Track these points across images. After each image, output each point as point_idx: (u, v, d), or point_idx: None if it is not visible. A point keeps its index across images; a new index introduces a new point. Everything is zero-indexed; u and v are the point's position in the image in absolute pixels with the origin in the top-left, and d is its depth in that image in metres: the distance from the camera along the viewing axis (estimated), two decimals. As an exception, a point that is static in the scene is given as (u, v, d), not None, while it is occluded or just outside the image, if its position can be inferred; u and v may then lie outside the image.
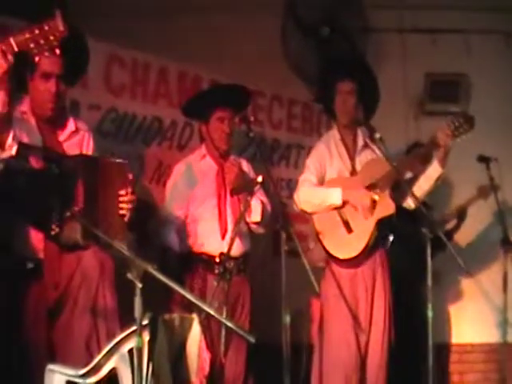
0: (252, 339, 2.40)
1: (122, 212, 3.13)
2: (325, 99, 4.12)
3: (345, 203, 3.85)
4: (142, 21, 4.99)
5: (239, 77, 4.77)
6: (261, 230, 4.03)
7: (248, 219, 3.92)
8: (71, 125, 3.28)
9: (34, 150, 3.07)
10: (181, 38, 5.13)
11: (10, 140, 2.63)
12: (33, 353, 3.00)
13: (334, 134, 4.03)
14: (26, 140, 2.99)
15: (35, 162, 3.06)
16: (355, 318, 3.80)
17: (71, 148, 3.23)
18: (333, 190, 3.86)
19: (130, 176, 3.19)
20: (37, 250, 3.07)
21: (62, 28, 2.46)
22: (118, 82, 4.25)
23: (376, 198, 3.84)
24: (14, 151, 2.66)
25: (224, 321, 2.84)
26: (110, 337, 2.93)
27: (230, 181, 3.90)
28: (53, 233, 3.00)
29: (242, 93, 4.09)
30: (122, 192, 3.13)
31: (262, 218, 3.95)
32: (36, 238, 3.07)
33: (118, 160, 3.23)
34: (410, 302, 4.41)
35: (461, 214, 5.14)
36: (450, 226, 5.14)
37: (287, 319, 3.32)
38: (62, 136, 3.23)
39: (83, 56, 3.32)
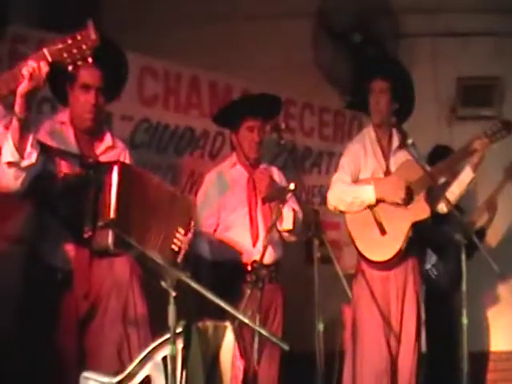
0: (286, 347, 2.39)
1: (173, 247, 3.17)
2: (359, 102, 4.11)
3: (379, 201, 3.82)
4: (172, 31, 5.05)
5: (270, 85, 4.79)
6: (292, 238, 4.03)
7: (280, 227, 3.92)
8: (108, 139, 3.32)
9: (71, 156, 3.11)
10: (212, 48, 5.17)
11: (28, 147, 2.63)
12: (66, 361, 3.03)
13: (369, 133, 4.00)
14: (63, 147, 3.03)
15: (71, 168, 3.10)
16: (387, 321, 3.78)
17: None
18: (366, 186, 3.83)
19: (192, 222, 3.24)
20: (67, 261, 3.09)
21: (94, 37, 2.51)
22: (150, 92, 4.29)
23: (411, 184, 3.78)
24: (33, 159, 2.66)
25: (258, 329, 2.84)
26: (141, 344, 2.96)
27: (262, 189, 3.91)
28: (86, 236, 3.02)
29: (272, 102, 4.10)
30: (181, 230, 3.19)
31: (294, 226, 3.95)
32: (67, 248, 3.10)
33: (186, 196, 3.29)
34: (444, 308, 4.37)
35: (491, 206, 4.94)
36: (481, 222, 4.94)
37: (320, 327, 3.32)
38: (99, 149, 3.27)
39: (122, 71, 3.36)
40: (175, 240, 3.19)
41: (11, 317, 3.08)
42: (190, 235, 3.22)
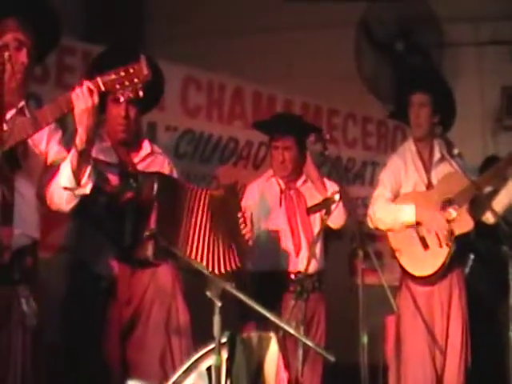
0: (332, 358, 2.38)
1: (246, 238, 3.25)
2: (401, 113, 4.08)
3: (419, 221, 3.78)
4: (216, 43, 5.09)
5: (313, 96, 4.79)
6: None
7: (331, 225, 3.89)
8: (146, 147, 3.35)
9: (112, 167, 3.15)
10: (255, 58, 5.20)
11: (85, 178, 2.66)
12: (112, 368, 3.05)
13: (409, 147, 3.96)
14: (104, 158, 3.07)
15: (112, 179, 3.14)
16: (432, 336, 3.73)
17: (146, 169, 3.29)
18: (406, 207, 3.79)
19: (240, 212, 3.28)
20: (111, 268, 3.12)
21: (146, 72, 2.56)
22: (194, 103, 4.33)
23: (453, 215, 3.76)
24: (87, 190, 2.69)
25: (305, 340, 2.82)
26: (184, 353, 2.97)
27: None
28: (127, 249, 3.05)
29: (297, 122, 4.10)
30: (241, 222, 3.23)
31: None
32: (112, 255, 3.13)
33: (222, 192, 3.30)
34: (489, 322, 4.29)
35: None
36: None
37: (365, 339, 3.29)
38: (137, 158, 3.30)
39: (159, 82, 3.38)
40: (243, 231, 3.22)
41: (56, 324, 3.12)
42: (247, 222, 3.24)
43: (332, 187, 3.93)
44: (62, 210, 2.74)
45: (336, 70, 5.35)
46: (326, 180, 4.02)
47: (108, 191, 3.11)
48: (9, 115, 2.59)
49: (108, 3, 4.74)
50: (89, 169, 2.66)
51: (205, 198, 3.21)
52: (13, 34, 2.62)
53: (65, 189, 2.65)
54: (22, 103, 2.67)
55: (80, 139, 2.60)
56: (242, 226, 3.28)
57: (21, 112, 2.63)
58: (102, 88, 2.55)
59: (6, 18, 2.64)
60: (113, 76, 2.55)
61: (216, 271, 3.12)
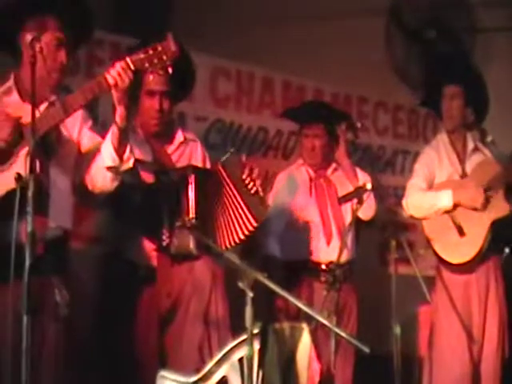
0: (367, 349, 2.35)
1: (253, 191, 3.19)
2: (432, 102, 4.03)
3: (456, 205, 3.74)
4: (245, 32, 5.05)
5: (343, 84, 4.75)
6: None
7: (362, 216, 3.86)
8: (179, 136, 3.35)
9: (145, 164, 3.16)
10: (284, 47, 5.16)
11: (127, 153, 2.73)
12: (144, 358, 3.07)
13: (442, 138, 3.94)
14: (137, 153, 3.08)
15: (146, 176, 3.15)
16: (468, 328, 3.69)
17: (180, 158, 3.30)
18: (443, 192, 3.77)
19: (243, 158, 3.28)
20: (149, 258, 3.14)
21: (173, 48, 2.59)
22: (223, 93, 4.32)
23: (490, 194, 3.71)
24: (131, 163, 2.76)
25: (338, 331, 2.80)
26: (222, 344, 2.96)
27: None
28: (164, 243, 3.08)
29: (326, 110, 4.08)
30: (246, 178, 3.20)
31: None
32: (148, 245, 3.14)
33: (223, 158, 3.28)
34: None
35: None
36: None
37: (397, 329, 3.26)
38: (171, 148, 3.31)
39: (190, 73, 3.39)
40: (251, 187, 3.20)
41: (89, 313, 3.15)
42: (255, 171, 3.22)
43: (364, 177, 3.91)
44: (105, 191, 2.80)
45: (366, 58, 5.29)
46: (357, 170, 4.00)
47: (143, 187, 3.12)
48: (41, 108, 2.63)
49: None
50: (129, 145, 2.72)
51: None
52: (52, 33, 2.68)
53: (108, 168, 2.71)
54: (54, 97, 2.72)
55: (120, 116, 2.66)
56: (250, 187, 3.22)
57: (52, 105, 2.68)
58: (132, 67, 2.59)
59: (44, 16, 2.67)
60: (141, 55, 2.59)
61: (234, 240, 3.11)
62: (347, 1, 5.33)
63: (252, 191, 3.20)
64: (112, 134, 2.68)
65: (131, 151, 2.73)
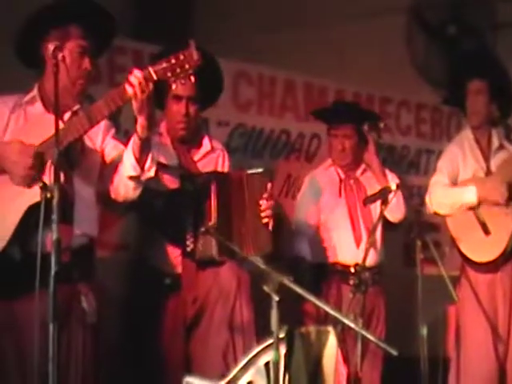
0: (395, 352, 2.34)
1: (264, 221, 3.18)
2: (456, 99, 4.00)
3: (480, 201, 3.71)
4: (266, 35, 5.06)
5: (365, 85, 4.73)
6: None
7: (390, 218, 3.86)
8: (206, 144, 3.35)
9: (170, 170, 3.17)
10: (305, 50, 5.15)
11: (148, 162, 2.72)
12: (170, 364, 3.08)
13: (467, 135, 3.90)
14: (162, 160, 3.10)
15: (171, 181, 3.17)
16: (493, 327, 3.66)
17: (206, 167, 3.30)
18: (467, 188, 3.74)
19: (268, 184, 3.23)
20: (174, 265, 3.15)
21: (196, 57, 2.57)
22: (244, 97, 4.33)
23: None
24: (152, 172, 2.75)
25: (365, 333, 2.79)
26: (247, 350, 2.96)
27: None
28: (188, 249, 3.09)
29: (356, 110, 4.07)
30: (262, 201, 3.18)
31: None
32: (173, 253, 3.16)
33: (252, 171, 3.27)
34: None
35: None
36: None
37: (424, 331, 3.24)
38: (197, 155, 3.31)
39: (218, 79, 3.40)
40: (263, 214, 3.18)
41: (116, 320, 3.17)
42: (271, 199, 3.20)
43: (393, 178, 3.89)
44: (128, 199, 2.80)
45: (387, 58, 5.27)
46: (386, 171, 3.98)
47: (167, 193, 3.13)
48: (65, 118, 2.65)
49: (155, 0, 4.77)
50: (151, 154, 2.72)
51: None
52: (76, 42, 2.69)
53: (130, 178, 2.70)
54: (78, 106, 2.72)
55: (141, 127, 2.65)
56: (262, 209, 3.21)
57: (76, 114, 2.69)
58: (154, 77, 2.58)
59: (67, 24, 2.69)
60: (164, 64, 2.58)
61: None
62: (367, 0, 5.32)
63: (263, 221, 3.19)
64: (133, 143, 2.69)
65: (153, 160, 2.73)
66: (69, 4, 2.70)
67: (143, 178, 2.72)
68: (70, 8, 2.70)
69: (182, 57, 2.57)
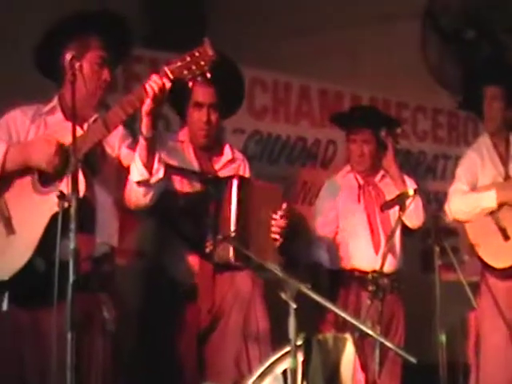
0: (414, 360, 2.32)
1: (273, 236, 3.17)
2: (472, 105, 3.99)
3: (501, 205, 3.69)
4: (279, 42, 5.07)
5: (380, 90, 4.72)
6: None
7: (409, 224, 3.84)
8: (228, 153, 3.35)
9: (190, 173, 3.18)
10: (319, 56, 5.15)
11: (156, 164, 2.69)
12: (185, 371, 3.09)
13: (484, 141, 3.89)
14: (183, 166, 3.11)
15: (191, 185, 3.17)
16: (513, 332, 3.63)
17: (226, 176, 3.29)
18: (486, 193, 3.72)
19: (284, 203, 3.22)
20: (190, 275, 3.15)
21: (211, 53, 2.55)
22: (260, 104, 4.35)
23: None
24: (161, 174, 2.72)
25: (384, 341, 2.77)
26: (262, 357, 2.96)
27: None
28: (207, 250, 3.08)
29: (375, 115, 4.06)
30: (275, 216, 3.17)
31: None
32: (190, 262, 3.16)
33: (271, 184, 3.29)
34: None
35: None
36: None
37: (443, 338, 3.22)
38: (218, 164, 3.31)
39: (239, 87, 3.40)
40: (273, 228, 3.17)
41: (133, 329, 3.17)
42: (284, 219, 3.18)
43: (412, 184, 3.87)
44: (141, 206, 2.77)
45: (403, 63, 5.26)
46: (405, 177, 3.96)
47: (187, 197, 3.13)
48: (85, 127, 2.66)
49: (170, 9, 4.79)
50: (157, 155, 2.69)
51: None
52: (96, 52, 2.70)
53: (138, 184, 2.68)
54: (96, 116, 2.73)
55: (146, 126, 2.62)
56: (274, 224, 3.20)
57: (94, 123, 2.69)
58: (171, 76, 2.56)
59: (88, 35, 2.71)
60: (179, 63, 2.57)
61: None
62: (382, 6, 5.31)
63: (272, 235, 3.17)
64: (140, 146, 2.67)
65: (160, 161, 2.70)
66: (89, 15, 2.72)
67: (152, 181, 2.69)
68: (90, 19, 2.72)
69: (196, 54, 2.55)
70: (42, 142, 2.60)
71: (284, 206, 3.19)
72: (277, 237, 3.16)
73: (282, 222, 3.16)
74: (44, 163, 2.57)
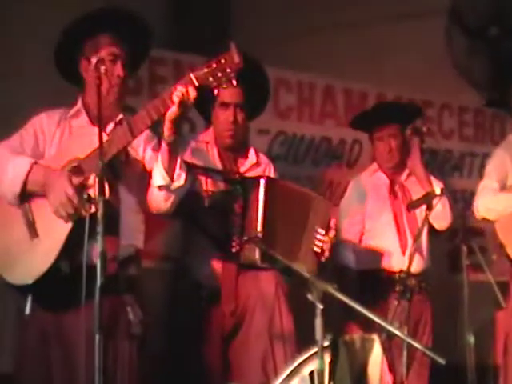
0: (442, 361, 2.30)
1: (315, 249, 3.17)
2: (499, 101, 3.95)
3: None
4: (303, 42, 5.05)
5: (405, 89, 4.69)
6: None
7: (436, 226, 3.82)
8: (252, 156, 3.35)
9: (216, 173, 3.19)
10: (343, 54, 5.13)
11: (177, 169, 2.68)
12: (209, 374, 3.09)
13: None
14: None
15: (216, 185, 3.17)
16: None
17: None
18: None
19: (333, 220, 3.23)
20: (214, 278, 3.15)
21: (237, 60, 2.52)
22: (284, 104, 4.34)
23: None
24: (182, 181, 2.70)
25: (412, 342, 2.75)
26: (287, 358, 2.97)
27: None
28: (233, 250, 3.08)
29: (405, 109, 4.03)
30: (321, 230, 3.17)
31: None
32: (214, 265, 3.16)
33: (321, 197, 3.31)
34: None
35: None
36: None
37: (471, 338, 3.19)
38: (243, 167, 3.31)
39: (264, 87, 3.41)
40: (316, 242, 3.16)
41: (158, 332, 3.18)
42: (331, 234, 3.18)
43: (438, 185, 3.83)
44: (162, 211, 2.76)
45: (428, 60, 5.21)
46: (432, 178, 3.92)
47: (213, 196, 3.14)
48: (108, 129, 2.67)
49: (195, 11, 4.80)
50: (179, 160, 2.68)
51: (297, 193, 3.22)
52: (107, 49, 2.69)
53: (160, 188, 2.67)
54: (120, 116, 2.73)
55: (168, 130, 2.61)
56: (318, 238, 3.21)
57: (119, 124, 2.69)
58: (196, 83, 2.54)
59: (98, 34, 2.71)
60: (205, 69, 2.54)
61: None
62: (407, 3, 5.27)
63: (314, 248, 3.17)
64: (162, 151, 2.66)
65: (182, 168, 2.68)
66: (96, 14, 2.72)
67: (173, 187, 2.68)
68: (97, 17, 2.71)
69: (222, 60, 2.51)
70: (60, 185, 2.55)
71: (333, 223, 3.19)
72: (318, 250, 3.16)
73: (327, 238, 3.17)
74: (57, 207, 2.54)
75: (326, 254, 3.19)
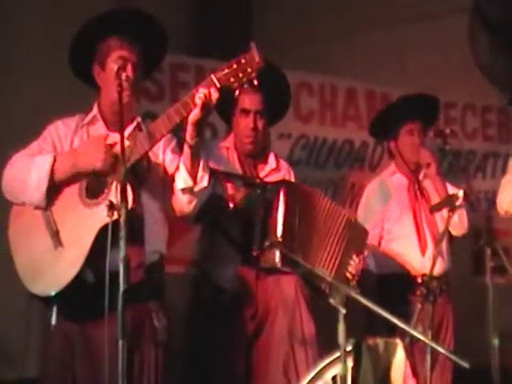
0: (466, 365, 2.29)
1: (348, 274, 3.22)
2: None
3: None
4: (326, 44, 5.06)
5: (428, 89, 4.65)
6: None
7: (453, 232, 3.79)
8: (272, 161, 3.36)
9: (237, 178, 3.21)
10: (365, 56, 5.12)
11: (200, 172, 2.67)
12: (232, 377, 3.10)
13: None
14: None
15: (237, 190, 3.18)
16: None
17: None
18: None
19: (368, 248, 3.28)
20: (236, 283, 3.16)
21: (258, 59, 2.50)
22: (306, 108, 4.33)
23: None
24: (205, 183, 2.69)
25: (435, 346, 2.74)
26: (309, 361, 2.97)
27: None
28: (254, 254, 3.08)
29: (430, 102, 3.99)
30: (355, 258, 3.23)
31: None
32: (236, 270, 3.17)
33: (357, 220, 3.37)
34: None
35: None
36: None
37: (495, 341, 3.16)
38: (263, 172, 3.32)
39: (285, 94, 3.41)
40: (350, 268, 3.21)
41: (183, 336, 3.20)
42: (362, 262, 3.21)
43: (453, 190, 3.80)
44: (185, 213, 2.74)
45: (451, 60, 5.19)
46: (448, 185, 3.88)
47: (235, 201, 3.15)
48: (126, 132, 2.66)
49: (217, 17, 4.82)
50: (202, 162, 2.67)
51: (341, 218, 3.25)
52: (116, 53, 2.65)
53: (183, 191, 2.66)
54: (139, 119, 2.72)
55: (190, 134, 2.59)
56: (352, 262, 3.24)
57: (138, 127, 2.68)
58: (218, 84, 2.52)
59: (110, 38, 2.67)
60: (226, 70, 2.52)
61: None
62: (428, 3, 5.25)
63: (347, 273, 3.21)
64: (184, 154, 2.65)
65: (204, 169, 2.67)
66: (104, 17, 2.69)
67: (196, 189, 2.66)
68: (105, 21, 2.69)
69: (243, 60, 2.50)
70: (90, 144, 2.60)
71: (366, 252, 3.26)
72: (349, 276, 3.20)
73: (360, 265, 3.22)
74: (96, 162, 2.54)
75: (355, 279, 3.21)
